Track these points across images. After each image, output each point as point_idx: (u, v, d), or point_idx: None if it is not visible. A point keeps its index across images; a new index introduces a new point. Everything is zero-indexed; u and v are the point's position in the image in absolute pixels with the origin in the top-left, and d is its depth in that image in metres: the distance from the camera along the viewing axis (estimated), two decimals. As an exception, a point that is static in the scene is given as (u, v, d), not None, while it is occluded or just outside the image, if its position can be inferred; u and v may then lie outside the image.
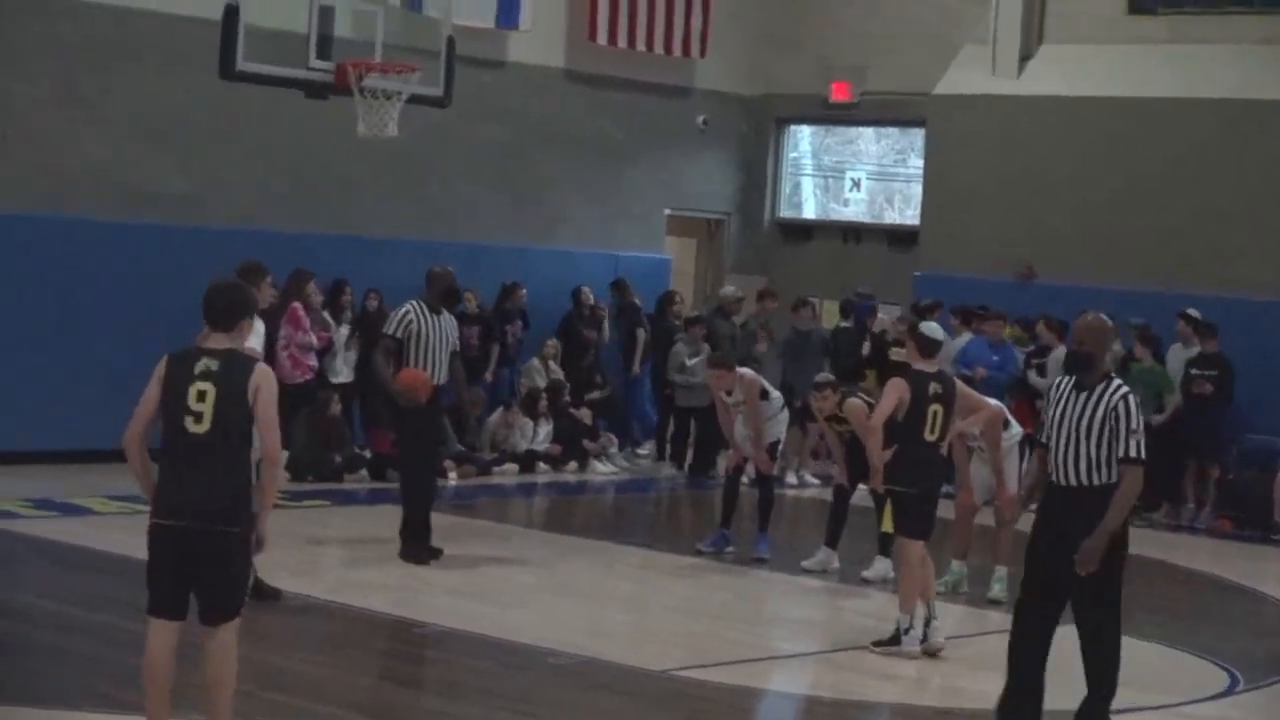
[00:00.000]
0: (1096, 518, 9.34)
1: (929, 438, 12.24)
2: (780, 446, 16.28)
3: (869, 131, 25.31)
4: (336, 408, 18.82)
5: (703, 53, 24.23)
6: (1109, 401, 9.43)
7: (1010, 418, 14.42)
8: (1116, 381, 9.56)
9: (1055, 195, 22.07)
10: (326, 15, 15.60)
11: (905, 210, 24.81)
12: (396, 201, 21.03)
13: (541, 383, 21.09)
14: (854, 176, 25.49)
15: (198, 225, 18.98)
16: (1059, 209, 22.01)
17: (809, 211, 25.87)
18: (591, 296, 22.05)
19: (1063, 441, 9.49)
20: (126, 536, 13.15)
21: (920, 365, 12.41)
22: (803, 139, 25.89)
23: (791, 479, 20.51)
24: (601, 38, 23.07)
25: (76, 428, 17.90)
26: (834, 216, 25.55)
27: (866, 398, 14.91)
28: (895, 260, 23.93)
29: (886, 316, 21.34)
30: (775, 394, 15.98)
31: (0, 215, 17.82)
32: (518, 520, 18.35)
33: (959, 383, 13.13)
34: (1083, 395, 9.50)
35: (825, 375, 16.26)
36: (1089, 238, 21.76)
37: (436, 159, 21.21)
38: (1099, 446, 9.40)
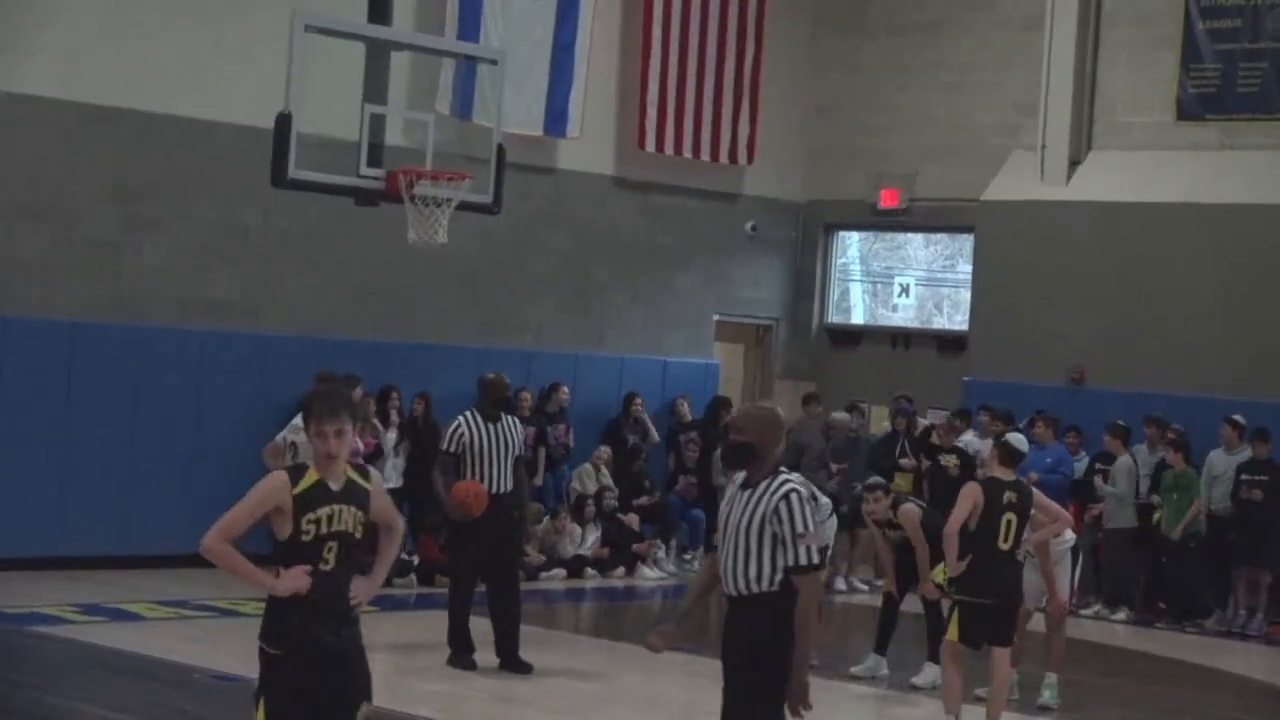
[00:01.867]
0: (756, 630, 8.41)
1: (1002, 546, 12.21)
2: (829, 552, 16.25)
3: (918, 237, 25.33)
4: None
5: (750, 159, 24.34)
6: (769, 501, 8.24)
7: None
8: (782, 478, 8.32)
9: (1104, 300, 22.03)
10: (378, 123, 15.67)
11: (954, 316, 24.78)
12: (449, 307, 21.13)
13: (592, 488, 21.11)
14: (903, 282, 25.48)
15: (252, 331, 19.13)
16: (1107, 314, 21.96)
17: (857, 317, 25.86)
18: (641, 404, 22.10)
19: (728, 546, 8.39)
20: (178, 643, 13.21)
21: (997, 473, 12.42)
22: (851, 245, 25.93)
23: (840, 584, 20.46)
24: (650, 145, 23.19)
25: (133, 532, 18.02)
26: (883, 322, 25.54)
27: (920, 503, 14.90)
28: (944, 365, 23.89)
29: (936, 422, 21.18)
30: (824, 499, 15.94)
31: (59, 321, 18.00)
32: (566, 626, 18.30)
33: (1037, 492, 13.06)
34: (746, 493, 8.35)
35: (875, 478, 16.19)
36: (1138, 343, 21.70)
37: (488, 265, 21.33)
38: (760, 551, 8.27)
